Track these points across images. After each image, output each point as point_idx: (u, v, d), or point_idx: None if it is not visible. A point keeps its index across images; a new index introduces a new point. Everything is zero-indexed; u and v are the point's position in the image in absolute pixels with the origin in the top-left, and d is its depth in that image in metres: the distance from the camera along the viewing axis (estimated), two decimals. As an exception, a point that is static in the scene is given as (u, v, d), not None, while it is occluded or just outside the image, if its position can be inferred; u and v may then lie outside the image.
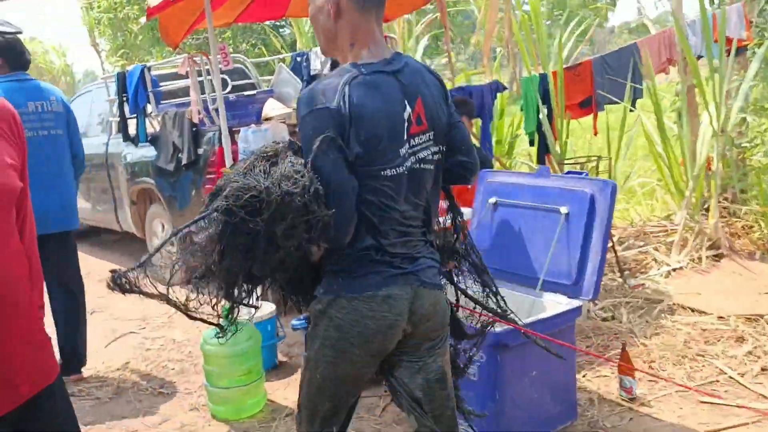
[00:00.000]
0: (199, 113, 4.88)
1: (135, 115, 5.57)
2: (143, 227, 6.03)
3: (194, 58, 4.86)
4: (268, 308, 3.72)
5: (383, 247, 1.68)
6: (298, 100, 1.67)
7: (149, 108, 5.55)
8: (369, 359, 1.74)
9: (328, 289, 1.70)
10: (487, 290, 2.08)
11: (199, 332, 4.00)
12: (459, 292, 2.05)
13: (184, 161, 4.97)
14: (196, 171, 4.97)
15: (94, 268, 6.42)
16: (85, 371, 3.88)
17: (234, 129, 4.67)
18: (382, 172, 1.64)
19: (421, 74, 1.75)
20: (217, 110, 4.85)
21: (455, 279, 2.05)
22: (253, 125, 4.63)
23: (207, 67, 4.92)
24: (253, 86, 6.86)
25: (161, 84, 5.64)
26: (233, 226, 1.50)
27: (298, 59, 7.09)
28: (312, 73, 6.99)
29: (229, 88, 6.37)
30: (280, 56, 7.93)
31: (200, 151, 4.92)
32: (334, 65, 6.81)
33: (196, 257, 1.56)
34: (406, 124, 1.67)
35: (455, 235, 2.01)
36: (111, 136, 6.24)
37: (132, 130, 5.75)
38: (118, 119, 5.85)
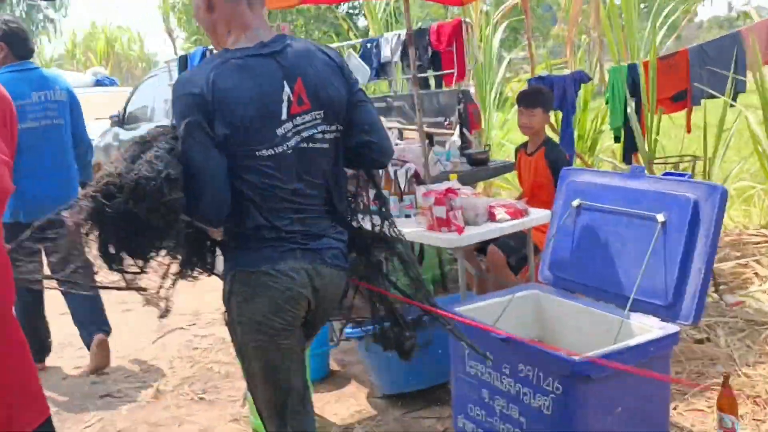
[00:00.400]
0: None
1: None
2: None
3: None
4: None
5: (275, 226, 1.73)
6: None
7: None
8: (288, 327, 1.76)
9: (229, 266, 1.78)
10: (416, 282, 2.05)
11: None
12: (389, 283, 2.03)
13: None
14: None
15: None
16: (128, 368, 3.74)
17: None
18: (258, 152, 1.69)
19: (307, 55, 1.77)
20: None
21: (384, 268, 2.04)
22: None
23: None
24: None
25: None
26: (97, 210, 1.60)
27: (368, 46, 6.85)
28: (382, 60, 6.73)
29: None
30: (350, 42, 7.69)
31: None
32: (405, 52, 6.55)
33: (65, 239, 1.68)
34: (285, 104, 1.71)
35: (381, 223, 2.01)
36: (172, 121, 6.17)
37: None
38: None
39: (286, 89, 1.73)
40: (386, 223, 2.03)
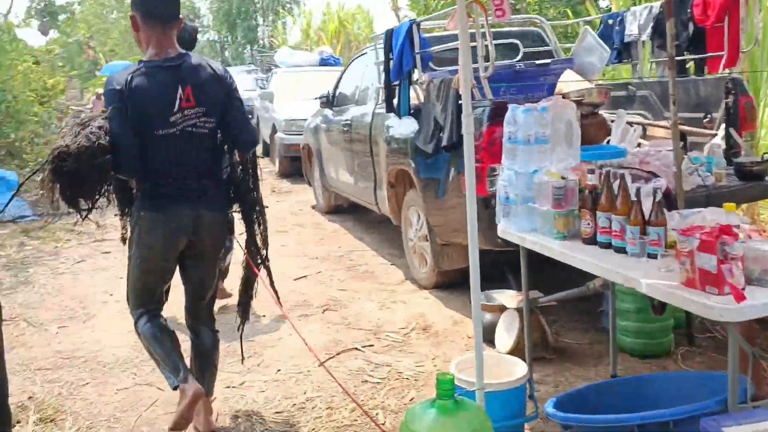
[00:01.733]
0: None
1: (398, 81, 4.86)
2: (399, 214, 5.37)
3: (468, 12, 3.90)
4: (515, 369, 2.68)
5: (167, 182, 2.72)
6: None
7: (415, 74, 4.80)
8: (164, 255, 2.80)
9: (136, 207, 2.79)
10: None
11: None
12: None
13: (444, 142, 4.10)
14: (456, 155, 4.06)
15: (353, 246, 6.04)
16: (281, 394, 3.29)
17: (503, 104, 3.63)
18: (155, 132, 2.64)
19: (197, 68, 2.72)
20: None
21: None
22: (541, 102, 3.54)
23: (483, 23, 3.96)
24: (550, 54, 5.74)
25: (435, 47, 4.81)
26: (55, 170, 2.52)
27: (610, 22, 5.76)
28: (626, 39, 5.59)
29: (519, 55, 5.35)
30: (587, 18, 6.61)
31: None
32: (657, 29, 5.41)
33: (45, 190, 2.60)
34: (177, 101, 2.64)
35: (245, 189, 2.99)
36: (377, 105, 5.68)
37: (396, 99, 5.08)
38: (383, 86, 5.23)
39: (179, 91, 2.62)
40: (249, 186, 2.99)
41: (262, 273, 3.12)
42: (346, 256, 6.00)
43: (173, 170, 2.70)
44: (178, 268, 2.89)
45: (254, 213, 3.03)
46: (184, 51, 2.74)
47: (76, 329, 4.41)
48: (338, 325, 4.29)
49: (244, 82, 25.42)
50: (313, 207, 8.41)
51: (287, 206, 8.64)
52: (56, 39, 36.99)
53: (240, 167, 2.94)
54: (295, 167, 10.99)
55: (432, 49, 4.73)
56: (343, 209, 7.77)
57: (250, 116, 17.52)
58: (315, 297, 4.85)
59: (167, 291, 2.93)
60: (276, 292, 3.15)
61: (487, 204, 3.65)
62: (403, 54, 4.65)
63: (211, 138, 2.77)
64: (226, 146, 2.89)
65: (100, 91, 24.39)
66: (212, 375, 3.00)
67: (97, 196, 2.70)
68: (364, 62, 6.40)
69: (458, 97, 4.07)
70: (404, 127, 4.96)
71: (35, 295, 5.13)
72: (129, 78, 2.59)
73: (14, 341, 4.16)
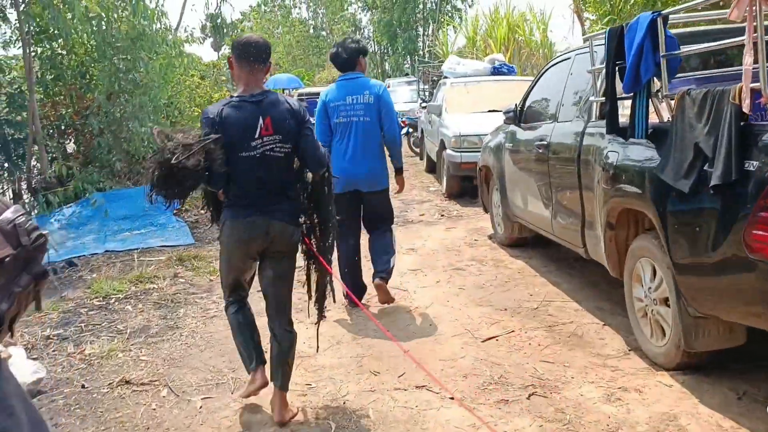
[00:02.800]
0: (762, 95, 2.78)
1: (632, 93, 3.74)
2: (621, 265, 4.22)
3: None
4: None
5: (246, 196, 3.29)
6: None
7: (655, 84, 3.68)
8: (243, 256, 3.38)
9: (222, 215, 3.40)
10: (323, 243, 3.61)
11: None
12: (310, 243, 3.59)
13: (716, 180, 2.93)
14: (735, 199, 2.89)
15: (549, 294, 4.99)
16: None
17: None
18: (239, 154, 3.21)
19: (276, 104, 3.29)
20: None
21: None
22: None
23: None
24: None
25: (685, 48, 3.65)
26: (161, 173, 3.07)
27: None
28: None
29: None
30: None
31: (751, 164, 2.82)
32: None
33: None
34: (258, 129, 3.22)
35: (311, 203, 3.55)
36: (589, 122, 4.58)
37: (623, 116, 3.98)
38: (603, 99, 4.14)
39: (260, 121, 3.24)
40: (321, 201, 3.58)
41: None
42: (542, 308, 4.95)
43: (252, 186, 3.27)
44: (257, 270, 3.50)
45: (325, 223, 3.59)
46: (267, 89, 3.36)
47: (221, 402, 3.73)
48: (555, 423, 3.25)
49: (404, 93, 25.20)
50: (491, 237, 7.43)
51: (460, 234, 7.73)
52: (226, 55, 39.18)
53: (312, 184, 3.53)
54: (464, 187, 10.14)
55: (686, 50, 3.57)
56: (527, 242, 6.72)
57: (411, 129, 17.09)
58: (513, 371, 3.85)
59: (250, 281, 3.59)
60: (333, 291, 3.82)
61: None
62: (641, 58, 3.54)
63: (285, 161, 3.32)
64: (297, 166, 3.45)
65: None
66: (287, 371, 3.44)
67: (185, 199, 3.33)
68: (566, 69, 5.33)
69: (740, 116, 2.92)
70: (635, 152, 3.83)
71: (182, 346, 4.56)
72: (221, 109, 3.23)
73: (150, 419, 3.55)
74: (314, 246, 3.56)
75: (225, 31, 11.78)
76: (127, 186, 9.47)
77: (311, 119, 3.60)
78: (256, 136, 3.20)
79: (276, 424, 3.37)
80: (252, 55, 3.28)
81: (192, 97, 11.53)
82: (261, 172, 3.23)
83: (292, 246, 3.41)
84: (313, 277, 3.69)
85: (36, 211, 8.79)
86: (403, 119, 18.03)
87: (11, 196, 9.77)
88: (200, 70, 13.21)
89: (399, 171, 5.21)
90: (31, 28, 9.49)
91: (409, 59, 41.17)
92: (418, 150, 16.44)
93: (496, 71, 12.10)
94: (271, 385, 3.44)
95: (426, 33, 41.26)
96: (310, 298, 3.76)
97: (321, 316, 3.81)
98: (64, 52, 9.88)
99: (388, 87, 28.73)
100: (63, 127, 9.82)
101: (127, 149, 10.09)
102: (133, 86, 9.63)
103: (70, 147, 10.19)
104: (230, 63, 3.36)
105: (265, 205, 3.27)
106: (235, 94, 3.31)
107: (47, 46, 9.84)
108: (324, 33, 46.98)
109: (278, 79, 23.68)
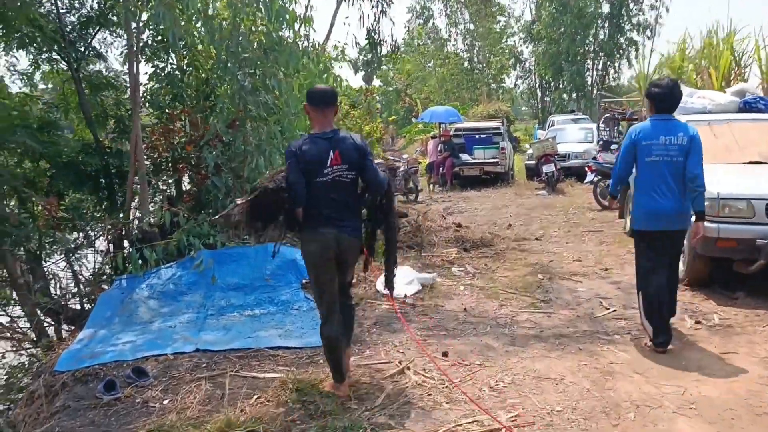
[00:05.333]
0: None
1: None
2: None
3: None
4: None
5: (322, 214, 4.14)
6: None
7: None
8: (325, 263, 4.20)
9: (301, 230, 4.25)
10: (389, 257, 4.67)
11: None
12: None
13: None
14: None
15: None
16: None
17: None
18: (314, 179, 4.08)
19: (344, 140, 4.15)
20: None
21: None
22: None
23: None
24: None
25: None
26: (254, 198, 4.31)
27: None
28: None
29: None
30: None
31: None
32: None
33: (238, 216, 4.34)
34: (329, 159, 4.07)
35: (380, 218, 4.53)
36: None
37: None
38: None
39: (331, 154, 4.09)
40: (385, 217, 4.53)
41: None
42: None
43: (324, 206, 4.15)
44: None
45: (390, 232, 4.58)
46: (336, 128, 4.25)
47: None
48: None
49: (573, 133, 22.02)
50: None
51: (756, 372, 4.74)
52: (377, 88, 37.87)
53: (376, 203, 4.47)
54: (714, 273, 7.05)
55: None
56: None
57: (598, 177, 13.96)
58: None
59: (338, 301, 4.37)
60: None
61: None
62: None
63: (351, 185, 4.24)
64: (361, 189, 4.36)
65: (430, 135, 22.94)
66: (350, 334, 4.62)
67: (272, 223, 4.45)
68: None
69: None
70: None
71: None
72: (301, 144, 4.13)
73: None
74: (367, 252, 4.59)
75: (380, 50, 9.49)
76: (244, 243, 7.30)
77: (371, 152, 4.48)
78: (328, 165, 4.11)
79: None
80: (323, 101, 4.21)
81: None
82: (333, 194, 4.16)
83: (356, 254, 4.45)
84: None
85: (129, 269, 6.79)
86: (589, 164, 15.04)
87: (106, 246, 7.95)
88: (350, 96, 11.06)
89: (701, 216, 5.27)
90: (143, 37, 7.69)
91: (575, 95, 37.89)
92: (606, 203, 13.38)
93: (749, 107, 8.92)
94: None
95: (596, 66, 37.82)
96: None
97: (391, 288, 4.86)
98: (184, 65, 7.99)
99: (552, 125, 25.63)
100: (171, 161, 7.86)
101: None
102: (262, 111, 7.52)
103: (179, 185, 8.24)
104: (306, 109, 4.33)
105: (336, 221, 4.18)
106: (312, 132, 4.27)
107: (163, 58, 8.01)
108: (480, 66, 44.68)
109: (435, 111, 21.38)
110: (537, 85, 41.59)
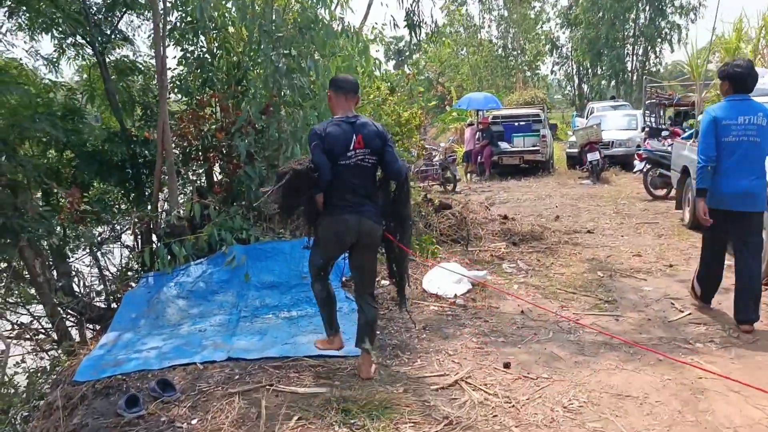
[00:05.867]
0: None
1: None
2: None
3: None
4: None
5: (345, 199, 4.17)
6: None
7: None
8: (337, 246, 4.29)
9: (322, 214, 4.24)
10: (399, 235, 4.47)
11: None
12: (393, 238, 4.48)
13: None
14: None
15: None
16: None
17: None
18: (338, 162, 4.10)
19: (366, 125, 4.21)
20: None
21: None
22: None
23: None
24: None
25: None
26: (288, 179, 4.17)
27: None
28: None
29: None
30: None
31: None
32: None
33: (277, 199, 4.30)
34: (353, 143, 4.12)
35: (398, 206, 4.42)
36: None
37: None
38: None
39: (354, 137, 4.14)
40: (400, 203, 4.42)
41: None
42: None
43: (347, 190, 4.17)
44: (348, 256, 4.45)
45: (406, 222, 4.48)
46: (358, 114, 4.32)
47: None
48: None
49: (615, 119, 21.02)
50: None
51: None
52: (424, 58, 37.04)
53: (394, 190, 4.40)
54: None
55: None
56: None
57: (650, 165, 13.12)
58: None
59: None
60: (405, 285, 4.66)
61: None
62: None
63: (372, 170, 4.28)
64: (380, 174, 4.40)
65: (467, 122, 22.16)
66: (372, 337, 4.41)
67: (298, 209, 4.48)
68: None
69: None
70: None
71: None
72: (325, 126, 4.16)
73: None
74: (395, 238, 4.46)
75: (419, 32, 8.86)
76: (279, 237, 6.77)
77: (392, 139, 4.48)
78: (351, 148, 4.14)
79: (364, 379, 4.25)
80: (347, 89, 4.33)
81: (377, 114, 8.77)
82: (355, 179, 4.18)
83: (377, 240, 4.35)
84: (395, 265, 4.65)
85: (156, 266, 6.32)
86: (638, 152, 14.23)
87: (132, 241, 7.49)
88: (389, 80, 10.46)
89: None
90: (170, 19, 7.19)
91: (614, 81, 36.69)
92: (661, 193, 12.61)
93: (827, 87, 8.15)
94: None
95: (636, 52, 36.55)
96: (394, 283, 4.89)
97: (403, 299, 4.77)
98: (214, 48, 7.47)
99: (592, 112, 24.58)
100: (201, 150, 7.35)
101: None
102: (297, 95, 6.97)
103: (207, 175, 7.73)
104: (329, 95, 4.41)
105: (358, 206, 4.20)
106: (335, 117, 4.27)
107: (192, 40, 7.50)
108: (515, 53, 43.55)
109: (473, 98, 20.62)
110: (574, 71, 40.39)
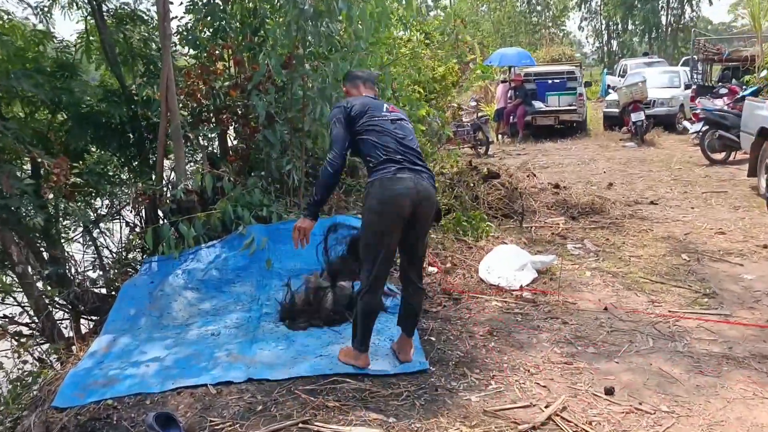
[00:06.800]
0: None
1: None
2: None
3: None
4: None
5: (391, 158, 3.53)
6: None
7: None
8: (396, 218, 3.46)
9: (369, 180, 3.58)
10: None
11: None
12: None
13: None
14: None
15: None
16: None
17: None
18: (375, 119, 3.62)
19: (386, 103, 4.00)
20: None
21: None
22: None
23: None
24: None
25: None
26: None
27: None
28: None
29: None
30: None
31: None
32: None
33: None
34: (385, 107, 3.74)
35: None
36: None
37: None
38: None
39: (386, 105, 3.78)
40: None
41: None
42: None
43: (394, 144, 3.58)
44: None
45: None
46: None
47: None
48: None
49: (655, 78, 19.44)
50: None
51: None
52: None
53: None
54: None
55: None
56: None
57: (708, 126, 11.74)
58: None
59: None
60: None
61: None
62: None
63: (413, 132, 3.82)
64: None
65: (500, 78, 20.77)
66: (415, 322, 3.88)
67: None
68: None
69: None
70: None
71: None
72: (351, 99, 3.78)
73: None
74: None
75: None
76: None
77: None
78: (384, 110, 3.73)
79: (403, 361, 3.77)
80: (363, 77, 4.08)
81: (415, 67, 7.57)
82: (399, 132, 3.64)
83: (433, 209, 3.65)
84: None
85: (161, 249, 5.29)
86: (695, 111, 12.92)
87: (133, 219, 6.44)
88: (425, 30, 9.21)
89: None
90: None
91: (647, 36, 34.83)
92: (719, 157, 11.38)
93: None
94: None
95: (671, 5, 34.61)
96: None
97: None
98: (225, -10, 6.33)
99: (625, 70, 23.01)
100: (213, 111, 6.24)
101: (311, 149, 6.35)
102: (325, 45, 5.83)
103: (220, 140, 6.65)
104: (346, 91, 4.10)
105: (412, 163, 3.57)
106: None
107: (200, -20, 6.35)
108: (539, 8, 41.64)
109: (505, 54, 19.22)
110: (603, 27, 38.46)
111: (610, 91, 21.05)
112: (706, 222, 7.17)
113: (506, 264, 5.30)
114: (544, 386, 3.54)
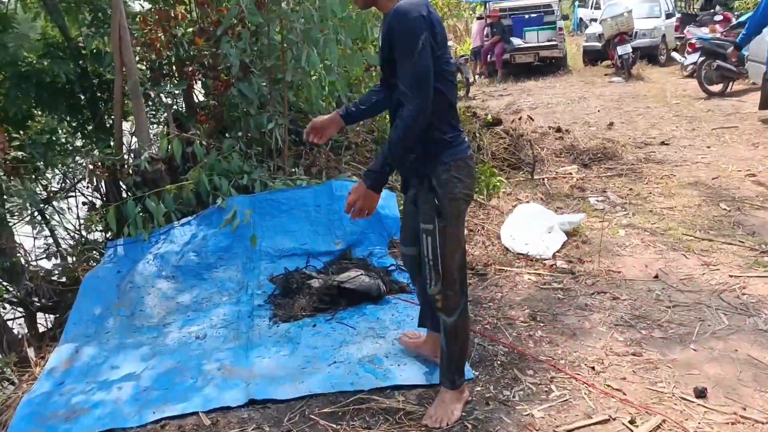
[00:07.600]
0: None
1: None
2: None
3: None
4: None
5: (458, 123, 2.63)
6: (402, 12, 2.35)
7: None
8: (468, 205, 2.68)
9: (453, 158, 2.54)
10: None
11: None
12: None
13: None
14: None
15: None
16: None
17: None
18: (443, 67, 2.44)
19: None
20: None
21: None
22: None
23: None
24: None
25: None
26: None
27: None
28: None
29: None
30: None
31: None
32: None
33: None
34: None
35: None
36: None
37: None
38: None
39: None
40: None
41: None
42: None
43: (456, 109, 2.64)
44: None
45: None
46: None
47: None
48: None
49: (634, 7, 18.43)
50: None
51: None
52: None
53: None
54: None
55: None
56: None
57: (704, 57, 10.91)
58: None
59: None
60: None
61: None
62: None
63: None
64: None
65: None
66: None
67: None
68: None
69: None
70: None
71: None
72: (426, 4, 2.41)
73: None
74: None
75: None
76: (298, 179, 4.88)
77: None
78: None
79: (434, 359, 3.02)
80: None
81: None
82: (455, 91, 2.63)
83: None
84: None
85: (126, 231, 4.46)
86: (691, 41, 12.16)
87: (90, 194, 5.54)
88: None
89: None
90: None
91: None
92: (717, 89, 10.71)
93: None
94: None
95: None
96: None
97: None
98: None
99: (599, 3, 22.05)
100: (175, 63, 5.32)
101: (294, 103, 5.48)
102: (305, -22, 4.92)
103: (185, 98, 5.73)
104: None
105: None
106: None
107: None
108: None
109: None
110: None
111: (585, 25, 20.12)
112: (729, 163, 6.51)
113: (531, 228, 4.57)
114: (618, 389, 2.85)
